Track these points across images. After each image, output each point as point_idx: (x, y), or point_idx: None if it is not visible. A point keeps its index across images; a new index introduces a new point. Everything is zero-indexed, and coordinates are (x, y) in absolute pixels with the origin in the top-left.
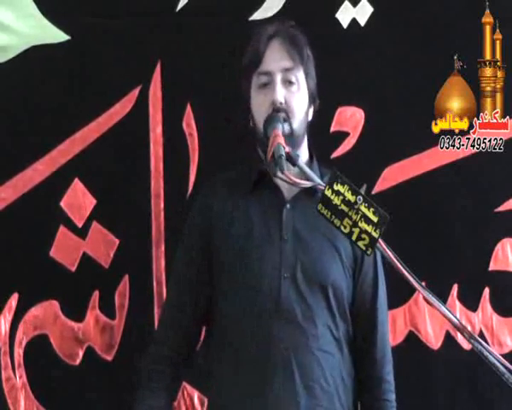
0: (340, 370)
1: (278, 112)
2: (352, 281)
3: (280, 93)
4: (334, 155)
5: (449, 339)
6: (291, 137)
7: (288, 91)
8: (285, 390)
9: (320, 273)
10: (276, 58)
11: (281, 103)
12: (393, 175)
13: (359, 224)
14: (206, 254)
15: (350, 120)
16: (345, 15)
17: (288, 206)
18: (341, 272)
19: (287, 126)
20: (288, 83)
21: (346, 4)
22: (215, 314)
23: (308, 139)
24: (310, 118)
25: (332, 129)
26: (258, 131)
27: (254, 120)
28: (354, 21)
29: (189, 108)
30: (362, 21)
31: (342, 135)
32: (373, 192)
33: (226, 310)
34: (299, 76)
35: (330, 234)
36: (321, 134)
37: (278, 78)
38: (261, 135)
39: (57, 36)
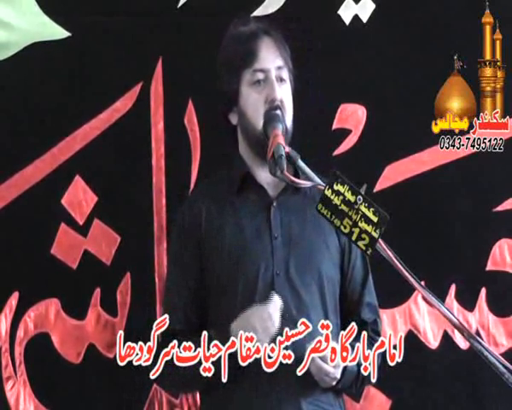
0: None
1: (276, 110)
2: (341, 274)
3: (278, 91)
4: (336, 152)
5: (446, 339)
6: (286, 135)
7: (282, 89)
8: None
9: (314, 266)
10: (270, 56)
11: (281, 101)
12: (394, 174)
13: (359, 224)
14: (198, 260)
15: (352, 117)
16: (347, 12)
17: (274, 204)
18: (331, 265)
19: (283, 125)
20: (280, 80)
21: (349, 1)
22: (211, 317)
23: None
24: None
25: (334, 126)
26: (250, 128)
27: (247, 117)
28: (356, 18)
29: (190, 104)
30: (364, 18)
31: (344, 132)
32: (374, 191)
33: (224, 313)
34: (288, 74)
35: (319, 229)
36: (323, 132)
37: (273, 75)
38: (256, 132)
39: (58, 33)
